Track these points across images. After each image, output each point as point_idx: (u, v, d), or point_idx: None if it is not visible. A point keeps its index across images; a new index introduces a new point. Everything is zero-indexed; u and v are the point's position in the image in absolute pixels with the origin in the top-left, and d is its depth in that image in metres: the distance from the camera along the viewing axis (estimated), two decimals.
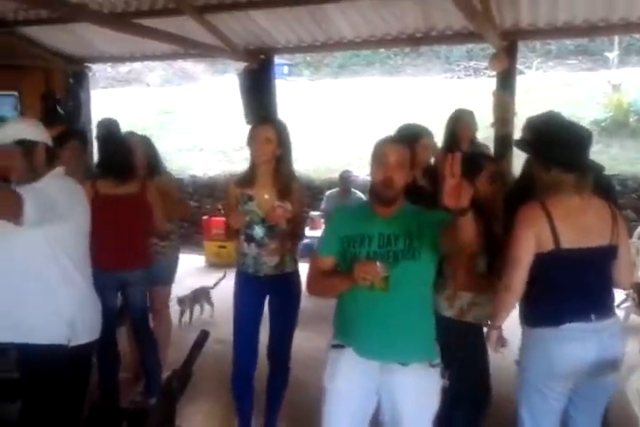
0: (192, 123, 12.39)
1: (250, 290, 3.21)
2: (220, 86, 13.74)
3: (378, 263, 2.06)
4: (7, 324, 2.34)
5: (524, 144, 2.64)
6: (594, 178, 2.41)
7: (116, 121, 4.44)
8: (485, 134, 5.54)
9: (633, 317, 4.69)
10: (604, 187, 2.67)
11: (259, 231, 3.08)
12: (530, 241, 2.34)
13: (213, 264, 7.77)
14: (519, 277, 2.37)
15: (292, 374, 3.36)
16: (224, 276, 5.50)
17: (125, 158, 3.52)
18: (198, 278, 6.70)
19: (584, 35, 6.38)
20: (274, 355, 3.30)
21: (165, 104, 13.39)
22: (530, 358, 2.45)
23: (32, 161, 2.36)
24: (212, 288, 5.63)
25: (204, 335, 2.14)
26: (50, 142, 2.47)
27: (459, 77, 15.46)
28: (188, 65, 17.58)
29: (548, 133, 2.44)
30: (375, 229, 2.25)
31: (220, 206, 8.35)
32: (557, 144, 2.35)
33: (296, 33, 6.08)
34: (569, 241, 2.31)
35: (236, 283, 3.28)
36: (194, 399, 3.69)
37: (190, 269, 7.34)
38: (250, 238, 3.12)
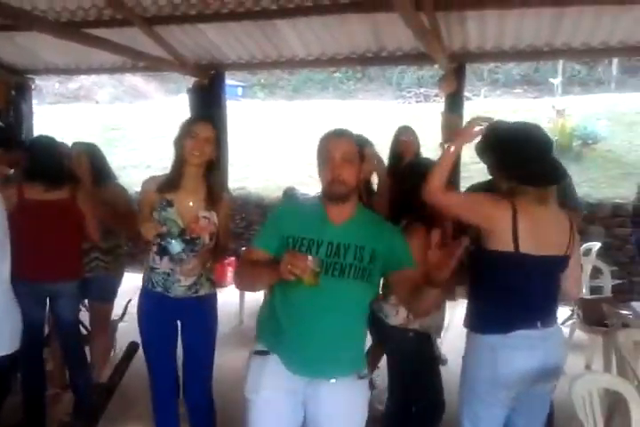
0: (140, 140, 12.19)
1: (159, 312, 2.81)
2: (171, 105, 13.61)
3: (309, 257, 1.85)
4: None
5: (481, 153, 2.52)
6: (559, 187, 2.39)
7: (51, 137, 4.11)
8: (435, 154, 5.53)
9: (577, 333, 4.70)
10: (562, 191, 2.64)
11: (176, 245, 2.62)
12: (494, 209, 2.26)
13: None
14: (460, 199, 2.33)
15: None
16: (129, 302, 4.32)
17: (55, 162, 3.34)
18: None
19: (529, 59, 6.55)
20: (191, 397, 2.91)
21: (114, 121, 13.16)
22: (475, 366, 2.38)
23: None
24: (120, 321, 4.55)
25: (132, 347, 2.01)
26: None
27: (409, 103, 15.72)
28: (140, 83, 17.43)
29: (507, 145, 2.35)
30: (326, 235, 2.07)
31: None
32: (516, 158, 2.29)
33: (247, 48, 6.03)
34: (528, 246, 2.25)
35: (139, 305, 2.89)
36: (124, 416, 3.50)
37: (132, 288, 7.08)
38: (163, 252, 2.71)
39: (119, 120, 13.20)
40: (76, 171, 3.41)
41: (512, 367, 2.27)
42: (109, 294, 3.93)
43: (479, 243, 2.34)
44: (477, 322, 2.42)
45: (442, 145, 5.94)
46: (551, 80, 14.82)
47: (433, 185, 2.30)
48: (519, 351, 2.28)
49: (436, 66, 6.04)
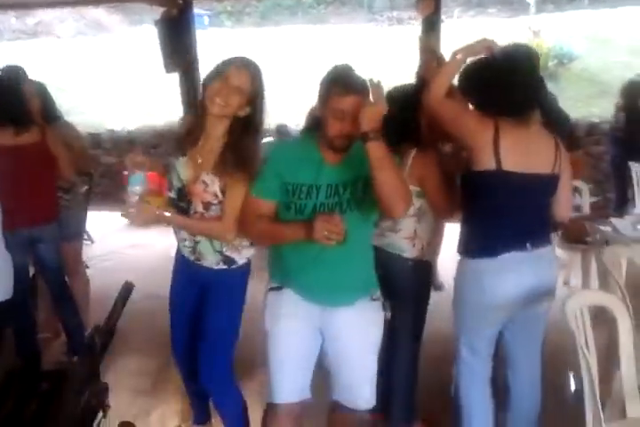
0: (108, 76, 11.79)
1: (180, 273, 2.59)
2: (136, 37, 13.12)
3: (341, 217, 1.93)
4: None
5: (461, 87, 2.48)
6: (544, 112, 2.42)
7: (21, 68, 3.99)
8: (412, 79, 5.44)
9: (557, 251, 4.81)
10: (554, 120, 2.68)
11: (136, 179, 2.24)
12: (476, 124, 2.27)
13: None
14: (451, 108, 2.32)
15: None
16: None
17: (24, 104, 3.22)
18: (121, 235, 6.52)
19: None
20: (206, 374, 2.47)
21: (78, 57, 12.68)
22: (465, 290, 2.44)
23: None
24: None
25: (127, 288, 2.01)
26: None
27: (382, 27, 15.31)
28: (102, 15, 16.69)
29: (482, 80, 2.35)
30: (323, 178, 2.10)
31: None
32: (491, 91, 2.29)
33: None
34: (511, 164, 2.25)
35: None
36: (121, 356, 3.58)
37: (111, 228, 7.09)
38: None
39: (83, 55, 12.72)
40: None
41: (501, 291, 2.31)
42: (76, 232, 3.94)
43: (468, 166, 2.35)
44: (466, 246, 2.45)
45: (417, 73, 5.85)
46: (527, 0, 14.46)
47: (434, 92, 2.30)
48: (508, 274, 2.32)
49: None
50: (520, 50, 2.75)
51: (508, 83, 2.28)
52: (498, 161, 2.24)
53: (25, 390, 1.95)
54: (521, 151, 2.28)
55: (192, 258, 2.45)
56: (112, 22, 16.64)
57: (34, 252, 3.40)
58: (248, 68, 2.21)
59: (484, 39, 2.33)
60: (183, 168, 2.33)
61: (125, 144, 9.04)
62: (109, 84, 11.50)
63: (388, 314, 2.36)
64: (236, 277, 2.46)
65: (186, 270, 2.52)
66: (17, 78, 3.47)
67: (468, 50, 2.36)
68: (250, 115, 2.23)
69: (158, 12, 6.42)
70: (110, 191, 8.32)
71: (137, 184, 2.21)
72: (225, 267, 2.42)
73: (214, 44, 11.21)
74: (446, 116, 2.33)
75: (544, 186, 2.39)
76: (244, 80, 2.18)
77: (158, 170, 2.44)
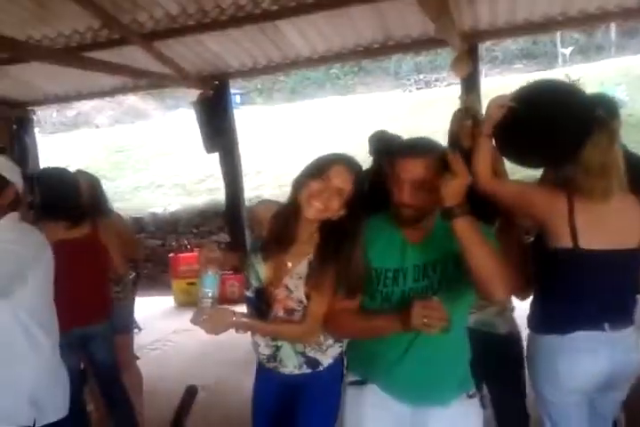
0: (147, 160, 12.03)
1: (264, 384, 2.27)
2: (172, 121, 13.46)
3: (436, 300, 1.65)
4: None
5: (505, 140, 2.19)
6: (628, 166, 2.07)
7: (65, 169, 3.85)
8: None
9: None
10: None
11: (208, 279, 1.91)
12: (547, 200, 2.06)
13: (183, 304, 7.26)
14: (512, 188, 2.16)
15: None
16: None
17: (74, 195, 3.10)
18: (168, 321, 6.34)
19: (542, 30, 6.29)
20: None
21: (117, 143, 13.03)
22: (536, 370, 2.20)
23: None
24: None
25: (191, 391, 1.77)
26: (20, 188, 2.13)
27: (410, 91, 15.50)
28: (138, 103, 17.28)
29: (512, 138, 2.11)
30: (409, 260, 1.86)
31: (185, 242, 7.98)
32: (523, 145, 2.07)
33: (250, 54, 5.82)
34: (590, 241, 2.02)
35: None
36: None
37: (158, 312, 6.98)
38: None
39: (122, 142, 13.06)
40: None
41: (574, 373, 2.06)
42: (127, 323, 3.75)
43: (538, 235, 2.15)
44: (536, 321, 2.23)
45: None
46: (562, 50, 14.54)
47: (480, 175, 2.11)
48: (580, 354, 2.06)
49: (449, 49, 5.78)
50: (545, 87, 2.17)
51: (538, 132, 2.02)
52: (574, 237, 2.03)
53: None
54: (601, 225, 2.04)
55: (270, 366, 2.13)
56: (148, 108, 17.19)
57: (85, 351, 3.18)
58: (351, 168, 1.90)
59: (492, 100, 2.13)
60: (264, 269, 2.03)
61: (168, 226, 9.05)
62: (149, 168, 11.70)
63: (488, 410, 2.09)
64: (324, 381, 2.10)
65: (266, 378, 2.21)
66: (64, 169, 3.39)
67: (486, 122, 2.16)
68: (345, 218, 1.91)
69: (193, 95, 6.49)
70: (155, 275, 8.30)
71: (211, 286, 1.89)
72: (309, 371, 2.07)
73: (247, 122, 11.43)
74: (509, 197, 2.16)
75: (628, 262, 2.11)
76: (346, 181, 1.87)
77: (233, 265, 2.21)
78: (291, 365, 2.08)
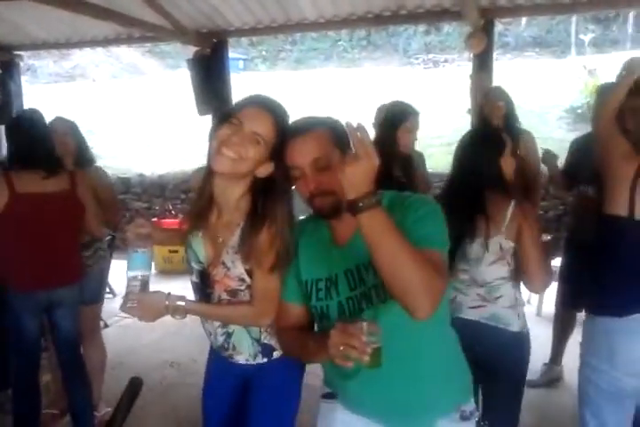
0: (140, 119, 11.68)
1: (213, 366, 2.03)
2: (171, 81, 13.08)
3: (364, 325, 1.25)
4: None
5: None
6: None
7: (38, 111, 3.51)
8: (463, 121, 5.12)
9: None
10: None
11: (136, 259, 1.68)
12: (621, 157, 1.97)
13: (164, 271, 6.84)
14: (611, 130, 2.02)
15: None
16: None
17: (51, 142, 2.79)
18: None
19: (564, 11, 5.97)
20: None
21: (112, 99, 12.65)
22: (591, 353, 2.06)
23: None
24: None
25: (135, 384, 1.52)
26: None
27: (417, 70, 15.17)
28: (138, 59, 16.85)
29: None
30: (337, 264, 1.51)
31: (170, 207, 7.69)
32: None
33: (252, 13, 5.46)
34: None
35: None
36: None
37: None
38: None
39: (118, 98, 12.69)
40: (60, 152, 2.88)
41: (632, 356, 1.94)
42: (96, 294, 3.37)
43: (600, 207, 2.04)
44: (591, 301, 2.13)
45: (470, 111, 5.46)
46: (581, 36, 14.17)
47: (614, 100, 2.04)
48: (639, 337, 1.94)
49: (460, 27, 5.46)
50: None
51: None
52: (631, 207, 1.93)
53: None
54: None
55: (225, 354, 1.86)
56: (147, 66, 16.76)
57: (48, 318, 2.91)
58: (269, 110, 1.58)
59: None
60: (201, 247, 1.76)
61: (155, 189, 8.76)
62: (141, 127, 11.37)
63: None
64: (281, 373, 1.82)
65: (219, 368, 1.94)
66: (41, 114, 3.06)
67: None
68: (274, 174, 1.59)
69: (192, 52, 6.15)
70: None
71: (140, 267, 1.63)
72: (265, 360, 1.81)
73: (248, 87, 11.09)
74: (605, 135, 2.07)
75: None
76: (263, 125, 1.55)
77: (173, 244, 1.90)
78: (246, 352, 1.81)
